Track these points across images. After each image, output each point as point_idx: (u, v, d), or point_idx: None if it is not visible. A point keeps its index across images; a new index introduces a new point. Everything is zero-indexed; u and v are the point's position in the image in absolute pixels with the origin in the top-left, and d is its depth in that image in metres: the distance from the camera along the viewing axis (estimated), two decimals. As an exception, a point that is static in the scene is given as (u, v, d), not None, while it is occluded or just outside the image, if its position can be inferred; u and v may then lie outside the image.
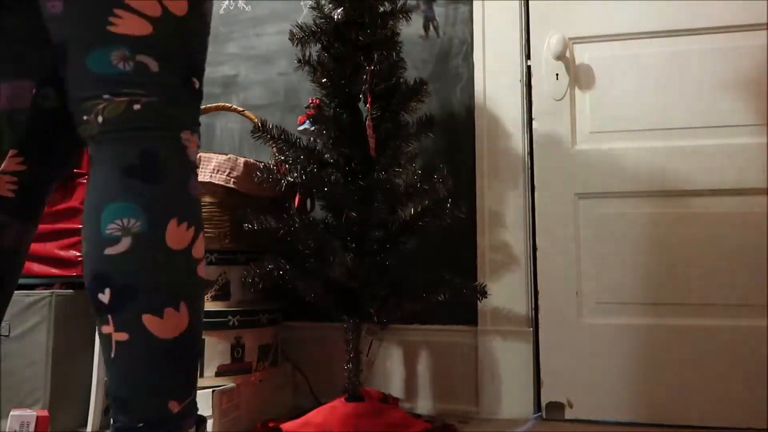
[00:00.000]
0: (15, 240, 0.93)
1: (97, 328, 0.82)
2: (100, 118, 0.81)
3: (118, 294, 0.79)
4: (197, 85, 0.88)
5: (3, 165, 0.91)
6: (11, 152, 0.91)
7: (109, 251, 0.79)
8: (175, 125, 0.84)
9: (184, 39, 0.85)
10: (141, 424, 0.79)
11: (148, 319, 0.79)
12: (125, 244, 0.79)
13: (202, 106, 1.88)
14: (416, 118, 1.61)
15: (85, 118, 0.82)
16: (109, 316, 0.79)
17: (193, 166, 0.87)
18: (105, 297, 0.79)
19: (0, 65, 0.91)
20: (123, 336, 0.79)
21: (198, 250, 0.84)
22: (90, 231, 0.81)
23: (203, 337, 1.52)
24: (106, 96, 0.81)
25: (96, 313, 0.81)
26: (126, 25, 0.80)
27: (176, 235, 0.81)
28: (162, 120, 0.83)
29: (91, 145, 0.84)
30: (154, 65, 0.82)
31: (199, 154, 1.55)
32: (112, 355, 0.80)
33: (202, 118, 2.26)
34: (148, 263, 0.80)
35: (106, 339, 0.80)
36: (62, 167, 1.00)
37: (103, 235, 0.79)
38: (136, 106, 0.81)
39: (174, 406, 0.81)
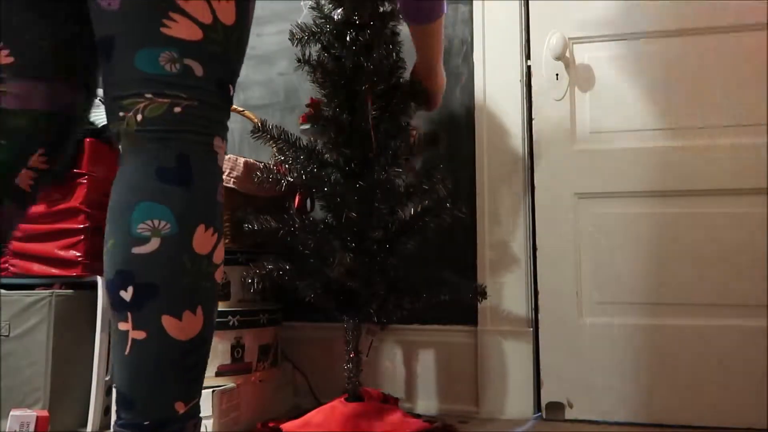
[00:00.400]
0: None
1: (112, 324, 0.83)
2: (139, 116, 0.82)
3: (141, 293, 0.80)
4: (231, 92, 0.90)
5: (31, 162, 0.93)
6: (40, 150, 0.93)
7: (136, 250, 0.80)
8: (209, 131, 0.86)
9: (229, 47, 0.87)
10: (146, 422, 0.80)
11: (166, 320, 0.80)
12: (154, 244, 0.80)
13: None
14: (421, 134, 1.61)
15: (122, 114, 0.84)
16: (129, 314, 0.81)
17: (221, 173, 0.89)
18: (127, 294, 0.80)
19: (42, 66, 0.92)
20: (140, 334, 0.80)
21: (218, 256, 0.86)
22: (118, 228, 0.82)
23: (203, 337, 1.52)
24: (148, 95, 0.82)
25: (114, 309, 0.82)
26: (179, 28, 0.82)
27: (202, 240, 0.83)
28: (199, 125, 0.85)
29: (123, 142, 0.85)
30: (199, 70, 0.84)
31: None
32: (126, 353, 0.81)
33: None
34: (174, 265, 0.81)
35: (122, 336, 0.81)
36: (67, 164, 1.02)
37: (133, 234, 0.81)
38: (177, 109, 0.82)
39: (180, 407, 0.82)
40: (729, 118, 1.67)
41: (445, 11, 1.49)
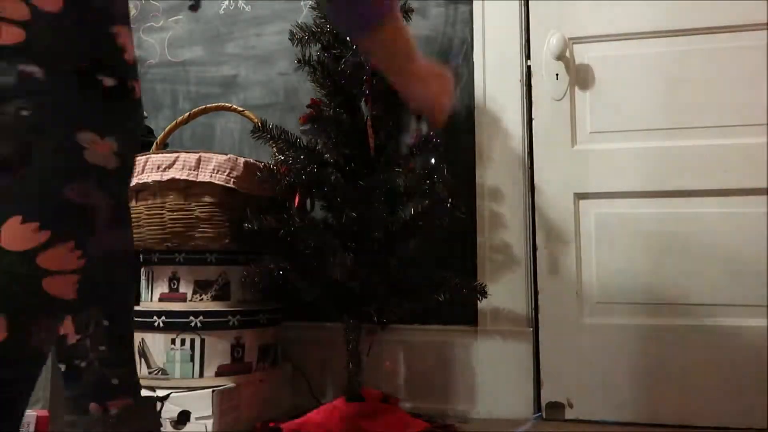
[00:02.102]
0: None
1: None
2: None
3: None
4: (109, 83, 0.80)
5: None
6: None
7: None
8: (66, 126, 0.77)
9: (65, 37, 0.77)
10: None
11: None
12: None
13: (202, 107, 1.89)
14: (421, 139, 1.60)
15: None
16: None
17: (88, 169, 0.77)
18: None
19: None
20: None
21: (49, 260, 0.73)
22: None
23: (202, 337, 1.52)
24: None
25: None
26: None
27: (13, 232, 0.71)
28: (49, 122, 0.76)
29: None
30: (38, 72, 0.75)
31: (199, 154, 1.56)
32: None
33: (202, 118, 2.26)
34: None
35: None
36: None
37: None
38: (24, 113, 0.74)
39: None
40: (729, 118, 1.67)
41: (392, 11, 0.91)
